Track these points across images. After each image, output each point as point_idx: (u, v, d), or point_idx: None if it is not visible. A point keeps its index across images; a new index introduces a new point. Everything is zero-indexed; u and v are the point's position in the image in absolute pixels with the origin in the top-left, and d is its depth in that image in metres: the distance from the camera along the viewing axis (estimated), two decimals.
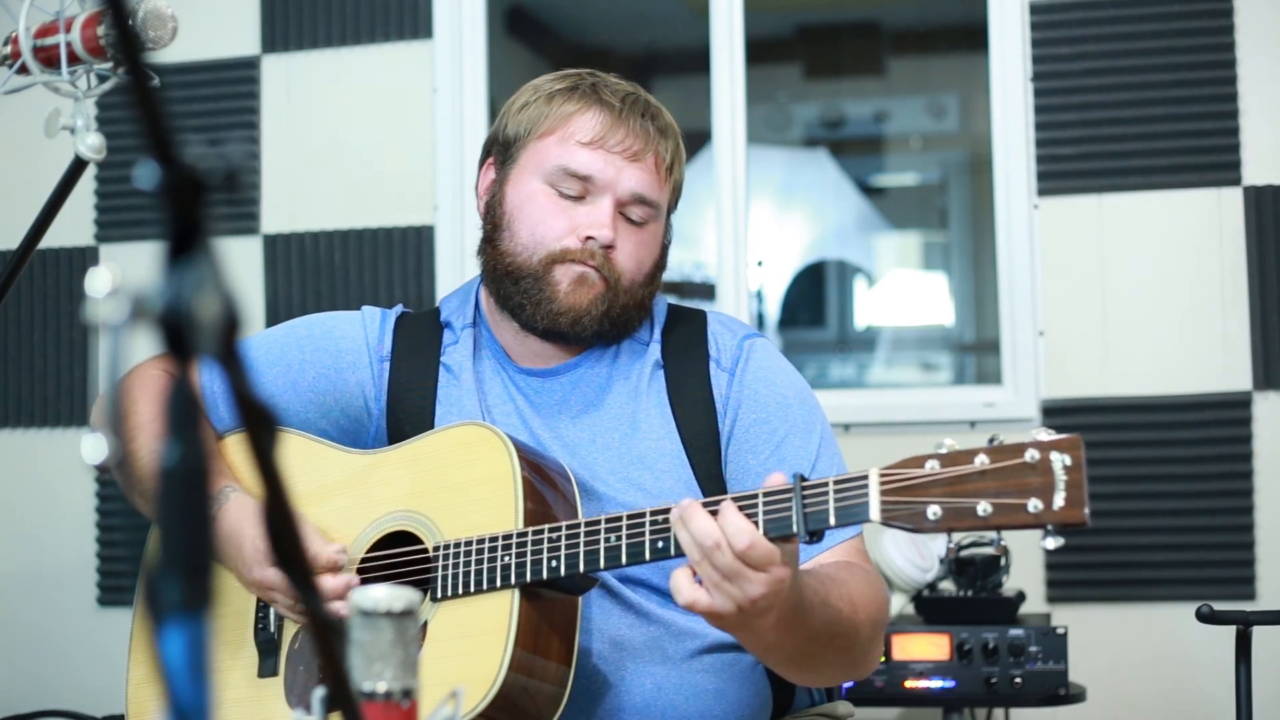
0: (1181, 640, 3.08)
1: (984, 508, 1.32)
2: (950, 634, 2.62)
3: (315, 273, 3.51)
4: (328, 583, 1.62)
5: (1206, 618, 2.20)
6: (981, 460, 1.34)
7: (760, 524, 1.42)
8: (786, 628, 1.48)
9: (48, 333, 3.63)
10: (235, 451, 1.80)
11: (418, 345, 1.86)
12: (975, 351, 5.00)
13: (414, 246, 3.48)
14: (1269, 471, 3.10)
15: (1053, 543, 1.31)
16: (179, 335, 0.70)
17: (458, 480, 1.67)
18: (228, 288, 0.71)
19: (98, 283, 0.70)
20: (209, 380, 1.80)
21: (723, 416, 1.77)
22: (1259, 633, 2.24)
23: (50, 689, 3.50)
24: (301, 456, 1.81)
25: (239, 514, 1.68)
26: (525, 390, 1.82)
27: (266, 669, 1.72)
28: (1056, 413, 3.21)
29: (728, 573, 1.40)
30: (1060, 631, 2.60)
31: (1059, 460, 1.31)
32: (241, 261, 3.51)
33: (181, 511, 0.71)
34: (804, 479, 1.42)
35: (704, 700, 1.69)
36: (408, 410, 1.82)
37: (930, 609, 2.71)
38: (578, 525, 1.57)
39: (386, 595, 0.98)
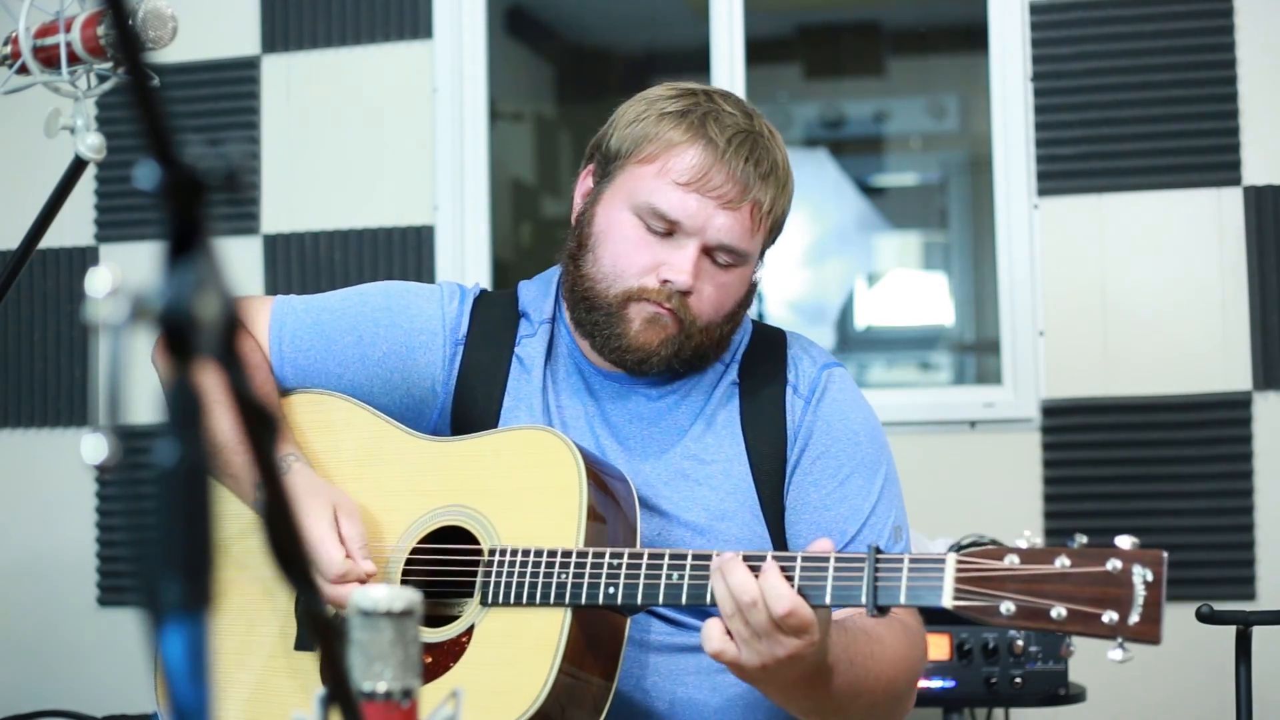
0: (1181, 640, 3.07)
1: (1059, 611, 1.31)
2: (950, 634, 2.62)
3: (315, 273, 3.51)
4: (346, 590, 1.60)
5: (1206, 618, 2.20)
6: (1062, 562, 1.32)
7: (828, 590, 1.41)
8: (808, 685, 1.47)
9: (48, 333, 3.63)
10: (296, 412, 1.79)
11: (493, 331, 1.82)
12: (975, 351, 5.00)
13: (414, 246, 3.48)
14: (1269, 471, 3.10)
15: (1120, 655, 1.29)
16: (179, 335, 0.70)
17: (520, 484, 1.65)
18: (228, 288, 0.71)
19: (98, 283, 0.70)
20: (274, 338, 1.81)
21: (793, 443, 1.75)
22: (1259, 633, 2.24)
23: (50, 689, 3.50)
24: (367, 433, 1.78)
25: (295, 486, 1.66)
26: (599, 394, 1.79)
27: (304, 642, 1.72)
28: (1056, 413, 3.21)
29: (759, 631, 1.39)
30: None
31: (1140, 575, 1.29)
32: (241, 261, 3.51)
33: (182, 511, 0.71)
34: (879, 551, 1.41)
35: (731, 713, 1.68)
36: (475, 397, 1.79)
37: (930, 609, 2.71)
38: (640, 556, 1.54)
39: (386, 595, 0.98)
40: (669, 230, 1.69)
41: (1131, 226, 3.21)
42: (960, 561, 1.37)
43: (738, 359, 1.81)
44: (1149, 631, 1.28)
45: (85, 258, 3.63)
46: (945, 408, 3.35)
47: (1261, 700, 2.26)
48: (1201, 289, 3.17)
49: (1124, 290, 3.21)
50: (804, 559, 1.42)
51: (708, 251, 1.70)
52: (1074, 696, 2.62)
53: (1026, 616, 1.32)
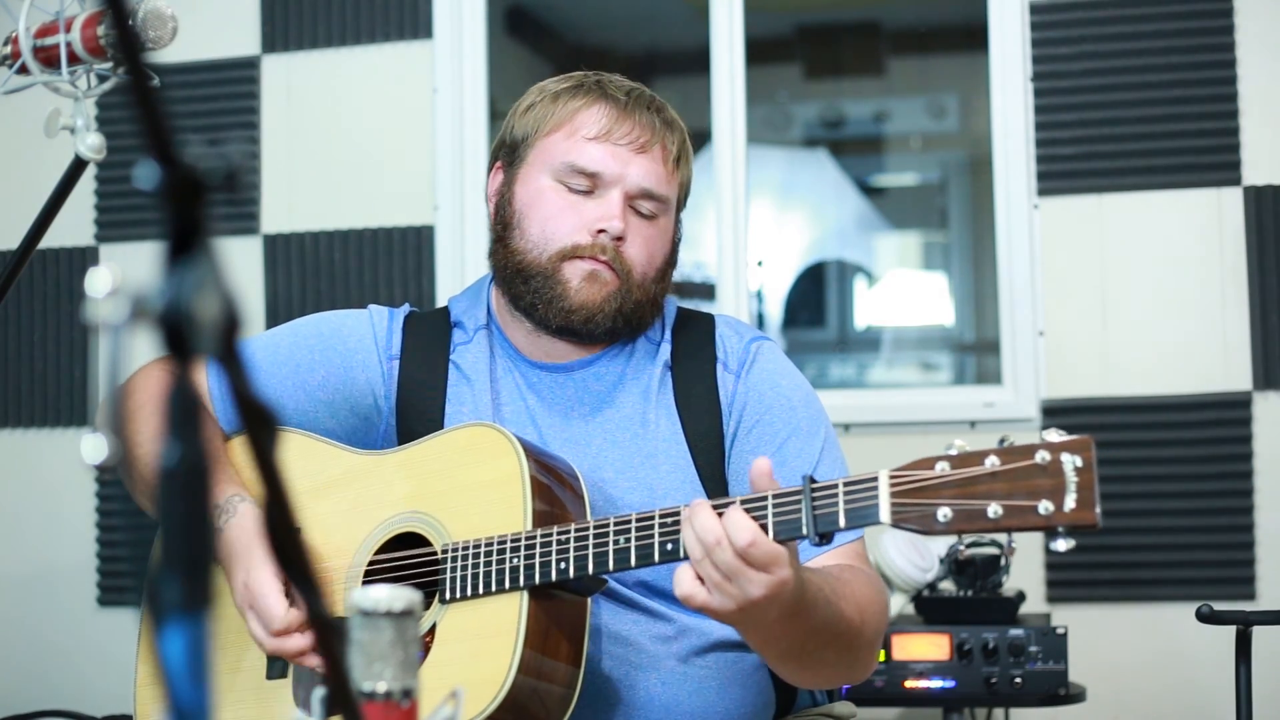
0: (1181, 640, 3.08)
1: (994, 510, 1.32)
2: (950, 634, 2.62)
3: (315, 273, 3.51)
4: (290, 644, 1.61)
5: (1206, 618, 2.20)
6: (992, 462, 1.33)
7: (770, 526, 1.42)
8: (788, 623, 1.48)
9: (48, 333, 3.63)
10: (241, 453, 1.80)
11: (427, 344, 1.86)
12: (975, 351, 5.00)
13: (414, 246, 3.48)
14: (1269, 471, 3.10)
15: (1064, 545, 1.30)
16: (179, 335, 0.70)
17: (465, 481, 1.67)
18: (228, 288, 0.71)
19: (98, 283, 0.70)
20: (214, 381, 1.79)
21: (727, 418, 1.78)
22: (1259, 633, 2.24)
23: (50, 689, 3.50)
24: (308, 457, 1.80)
25: (244, 535, 1.66)
26: (537, 388, 1.81)
27: (274, 670, 1.72)
28: (1056, 413, 3.21)
29: (728, 571, 1.40)
30: (1060, 631, 2.60)
31: (1070, 461, 1.30)
32: (241, 261, 3.51)
33: (182, 511, 0.71)
34: (813, 480, 1.42)
35: (707, 698, 1.69)
36: (418, 409, 1.81)
37: (930, 609, 2.71)
38: (586, 527, 1.56)
39: (386, 595, 0.98)
40: (591, 187, 1.77)
41: (1131, 226, 3.21)
42: (893, 476, 1.38)
43: (668, 339, 1.84)
44: (1085, 516, 1.28)
45: (85, 258, 3.63)
46: (945, 408, 3.35)
47: (1261, 700, 2.26)
48: (1201, 289, 3.17)
49: (1124, 290, 3.21)
50: (741, 501, 1.44)
51: (630, 202, 1.77)
52: (1074, 696, 2.62)
53: (964, 520, 1.33)
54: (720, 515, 1.42)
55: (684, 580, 1.43)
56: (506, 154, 1.85)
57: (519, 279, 1.79)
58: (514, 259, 1.79)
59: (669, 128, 1.80)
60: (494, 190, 1.86)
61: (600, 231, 1.75)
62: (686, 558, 1.49)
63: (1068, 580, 3.17)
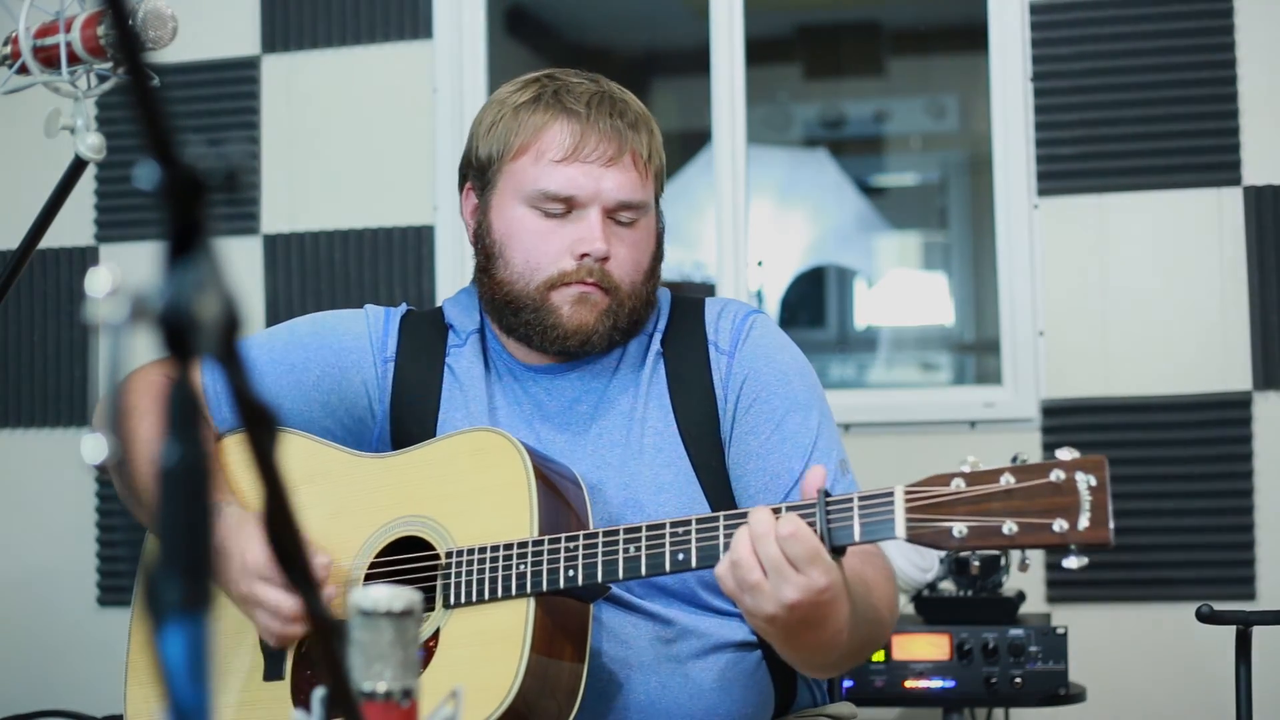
0: (1182, 640, 3.08)
1: (1009, 527, 1.33)
2: (950, 634, 2.62)
3: (315, 273, 3.51)
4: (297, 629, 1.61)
5: (1206, 618, 2.20)
6: (1007, 479, 1.34)
7: None
8: (824, 649, 1.49)
9: (48, 333, 3.63)
10: (232, 454, 1.79)
11: (422, 346, 1.85)
12: (975, 351, 5.00)
13: (414, 246, 3.48)
14: (1269, 471, 3.10)
15: (1075, 562, 1.33)
16: (179, 335, 0.70)
17: (470, 486, 1.66)
18: (228, 288, 0.71)
19: (98, 283, 0.70)
20: (210, 380, 1.79)
21: (723, 401, 1.76)
22: (1259, 633, 2.24)
23: (50, 689, 3.50)
24: (310, 459, 1.79)
25: (230, 528, 1.66)
26: (534, 391, 1.80)
27: (272, 672, 1.72)
28: (1056, 413, 3.21)
29: (769, 564, 1.39)
30: (1060, 631, 2.60)
31: (1084, 480, 1.33)
32: (241, 261, 3.51)
33: (181, 511, 0.71)
34: (828, 494, 1.42)
35: (708, 699, 1.69)
36: (412, 412, 1.80)
37: (930, 609, 2.71)
38: (595, 535, 1.56)
39: (386, 595, 0.98)
40: (567, 209, 1.73)
41: (1131, 226, 3.21)
42: (909, 491, 1.38)
43: (660, 329, 1.82)
44: (1099, 534, 1.32)
45: (85, 258, 3.63)
46: (945, 408, 3.35)
47: (1261, 700, 2.26)
48: (1201, 289, 3.17)
49: (1124, 290, 3.21)
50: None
51: (610, 215, 1.74)
52: (1074, 696, 2.62)
53: (979, 537, 1.35)
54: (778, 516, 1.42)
55: (725, 575, 1.44)
56: (476, 176, 1.81)
57: (509, 310, 1.77)
58: (501, 290, 1.77)
59: (634, 129, 1.76)
60: (469, 214, 1.84)
61: (584, 255, 1.72)
62: (698, 567, 1.49)
63: (1068, 580, 3.17)
